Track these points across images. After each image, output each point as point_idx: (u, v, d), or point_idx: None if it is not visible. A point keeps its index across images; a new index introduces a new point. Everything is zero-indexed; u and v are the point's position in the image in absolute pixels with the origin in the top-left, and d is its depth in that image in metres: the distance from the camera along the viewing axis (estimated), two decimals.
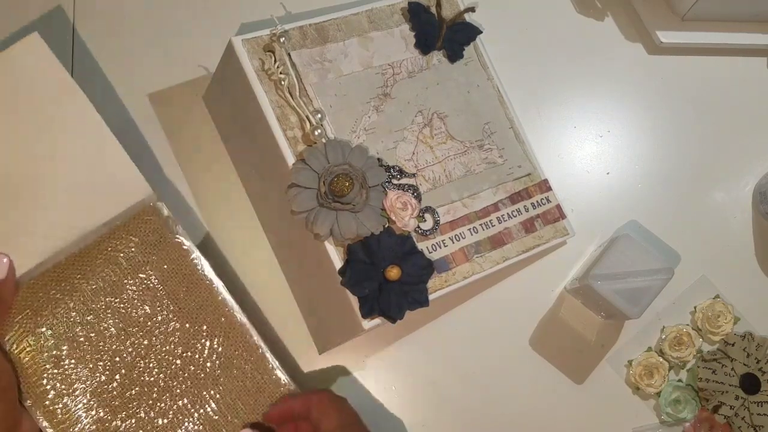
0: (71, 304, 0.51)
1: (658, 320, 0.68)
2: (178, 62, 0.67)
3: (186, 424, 0.52)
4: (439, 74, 0.61)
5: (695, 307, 0.68)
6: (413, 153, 0.58)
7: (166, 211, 0.55)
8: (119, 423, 0.50)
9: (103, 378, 0.51)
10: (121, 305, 0.52)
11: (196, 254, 0.55)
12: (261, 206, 0.64)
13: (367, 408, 0.62)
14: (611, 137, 0.73)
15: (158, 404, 0.51)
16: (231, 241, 0.64)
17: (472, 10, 0.63)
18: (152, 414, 0.51)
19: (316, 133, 0.54)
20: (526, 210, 0.61)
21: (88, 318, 0.51)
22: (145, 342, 0.52)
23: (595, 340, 0.67)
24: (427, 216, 0.57)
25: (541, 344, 0.66)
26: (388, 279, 0.52)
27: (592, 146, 0.72)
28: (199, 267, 0.54)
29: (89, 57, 0.67)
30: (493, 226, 0.59)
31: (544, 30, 0.74)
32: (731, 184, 0.73)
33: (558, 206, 0.63)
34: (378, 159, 0.56)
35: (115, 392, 0.51)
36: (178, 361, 0.52)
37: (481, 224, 0.59)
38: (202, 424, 0.52)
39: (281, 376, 0.55)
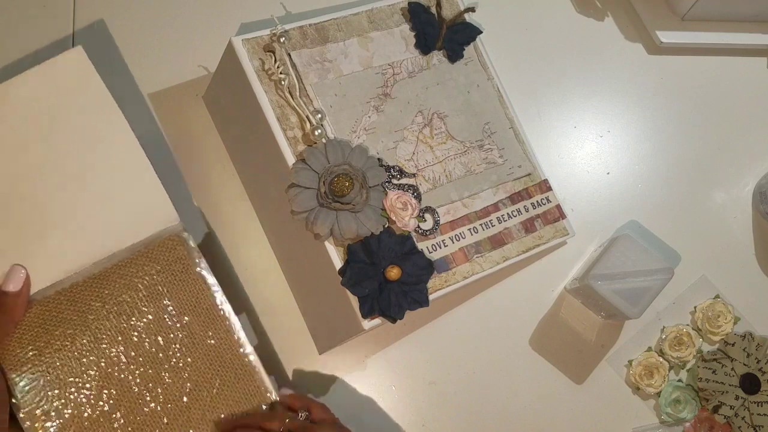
0: (83, 327, 0.49)
1: (658, 320, 0.68)
2: (178, 62, 0.67)
3: None
4: (439, 74, 0.61)
5: (695, 307, 0.68)
6: (413, 153, 0.58)
7: (192, 243, 0.53)
8: None
9: (107, 408, 0.49)
10: (135, 333, 0.50)
11: (219, 291, 0.53)
12: (261, 206, 0.64)
13: (367, 408, 0.62)
14: (611, 137, 0.73)
15: None
16: (231, 241, 0.64)
17: (472, 10, 0.63)
18: None
19: (316, 133, 0.54)
20: (526, 210, 0.61)
21: (100, 343, 0.49)
22: (153, 373, 0.50)
23: (595, 340, 0.67)
24: (427, 216, 0.57)
25: (541, 344, 0.66)
26: (388, 279, 0.52)
27: (592, 146, 0.72)
28: (218, 303, 0.52)
29: (89, 56, 0.67)
30: (493, 226, 0.59)
31: (544, 30, 0.74)
32: (731, 184, 0.73)
33: (558, 206, 0.63)
34: (378, 159, 0.56)
35: (116, 423, 0.49)
36: (185, 399, 0.50)
37: (481, 224, 0.59)
38: None
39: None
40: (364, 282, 0.52)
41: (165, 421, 0.50)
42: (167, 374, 0.50)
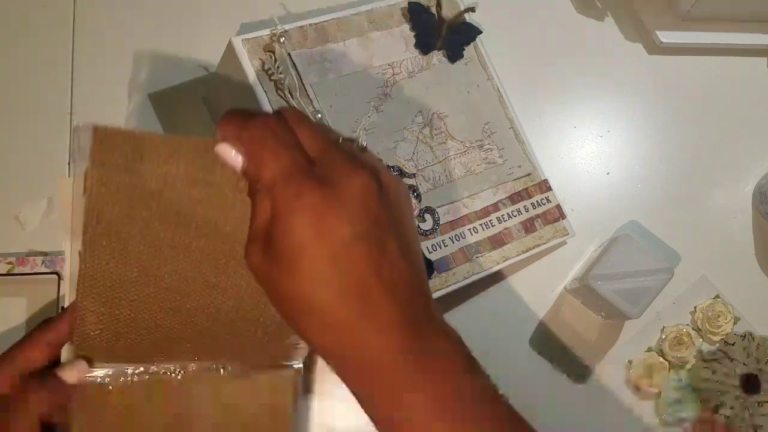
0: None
1: (658, 320, 0.68)
2: (178, 62, 0.67)
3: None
4: (439, 74, 0.61)
5: (695, 307, 0.68)
6: (413, 153, 0.58)
7: None
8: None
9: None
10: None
11: None
12: None
13: None
14: (611, 137, 0.73)
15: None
16: None
17: (472, 10, 0.63)
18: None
19: None
20: (526, 210, 0.61)
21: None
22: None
23: (595, 340, 0.67)
24: (427, 216, 0.57)
25: (541, 344, 0.66)
26: None
27: (592, 146, 0.72)
28: None
29: (90, 56, 0.67)
30: (493, 226, 0.59)
31: (544, 30, 0.74)
32: (731, 184, 0.73)
33: (558, 206, 0.63)
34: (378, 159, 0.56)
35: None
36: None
37: (481, 224, 0.59)
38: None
39: None
40: None
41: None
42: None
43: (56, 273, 0.60)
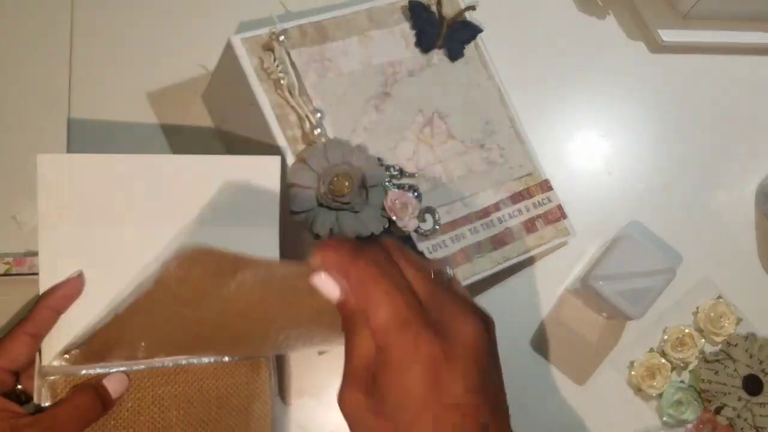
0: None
1: (660, 321, 0.67)
2: (177, 61, 0.67)
3: None
4: (440, 73, 0.61)
5: (698, 308, 0.68)
6: (413, 152, 0.58)
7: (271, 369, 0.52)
8: None
9: None
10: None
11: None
12: None
13: None
14: (613, 137, 0.72)
15: None
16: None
17: (472, 8, 0.63)
18: None
19: (316, 132, 0.53)
20: (527, 210, 0.61)
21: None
22: None
23: (597, 341, 0.67)
24: (428, 216, 0.57)
25: (542, 345, 0.66)
26: None
27: (593, 145, 0.72)
28: None
29: (88, 56, 0.67)
30: (493, 226, 0.59)
31: (546, 29, 0.74)
32: (734, 184, 0.72)
33: (559, 206, 0.63)
34: (378, 159, 0.56)
35: None
36: None
37: (481, 224, 0.59)
38: None
39: None
40: None
41: None
42: None
43: None
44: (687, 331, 0.66)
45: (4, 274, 0.59)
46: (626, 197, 0.71)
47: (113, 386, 0.45)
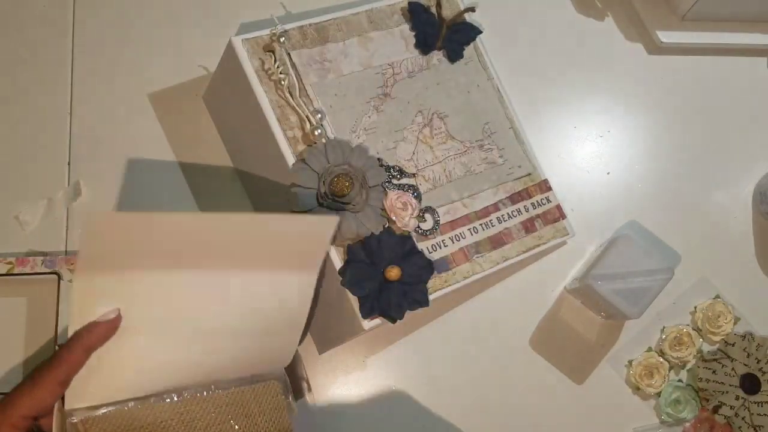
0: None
1: (659, 320, 0.68)
2: (177, 62, 0.67)
3: None
4: (439, 74, 0.61)
5: (695, 308, 0.68)
6: (413, 153, 0.58)
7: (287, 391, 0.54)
8: None
9: None
10: None
11: None
12: (261, 206, 0.64)
13: (367, 408, 0.62)
14: (611, 137, 0.73)
15: None
16: None
17: (472, 10, 0.63)
18: None
19: (316, 133, 0.54)
20: (526, 210, 0.61)
21: None
22: None
23: (596, 340, 0.67)
24: (427, 216, 0.57)
25: (541, 344, 0.66)
26: (388, 279, 0.52)
27: (592, 146, 0.72)
28: None
29: (89, 56, 0.67)
30: (493, 226, 0.59)
31: (544, 30, 0.74)
32: (731, 184, 0.72)
33: (558, 206, 0.63)
34: (378, 159, 0.56)
35: None
36: None
37: (481, 224, 0.59)
38: None
39: None
40: (364, 282, 0.52)
41: None
42: None
43: (56, 273, 0.60)
44: (685, 330, 0.66)
45: (6, 274, 0.59)
46: (624, 197, 0.71)
47: None
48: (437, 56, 0.62)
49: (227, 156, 0.66)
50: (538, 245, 0.61)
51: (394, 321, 0.53)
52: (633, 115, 0.73)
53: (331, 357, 0.63)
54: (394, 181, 0.56)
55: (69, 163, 0.64)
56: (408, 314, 0.53)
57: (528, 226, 0.61)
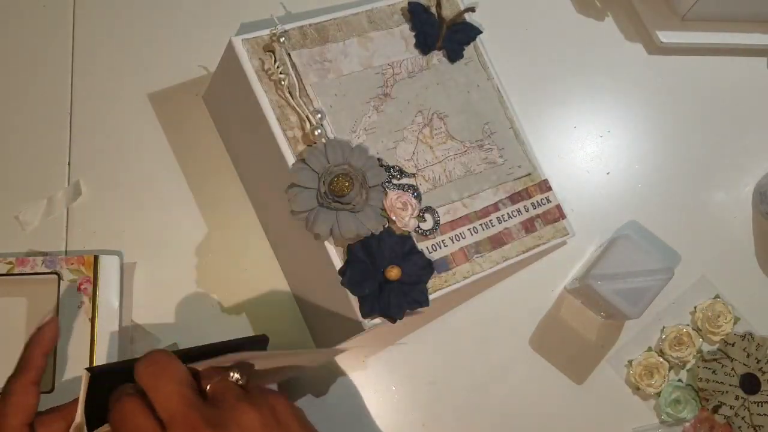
0: None
1: (658, 320, 0.68)
2: (178, 62, 0.67)
3: None
4: (439, 74, 0.61)
5: (695, 307, 0.68)
6: (413, 153, 0.58)
7: None
8: None
9: None
10: None
11: None
12: (260, 206, 0.64)
13: (367, 408, 0.62)
14: (611, 137, 0.73)
15: None
16: (231, 241, 0.64)
17: (472, 10, 0.63)
18: None
19: (316, 133, 0.54)
20: (526, 210, 0.61)
21: None
22: None
23: (595, 340, 0.67)
24: (427, 216, 0.57)
25: (541, 344, 0.66)
26: (388, 279, 0.52)
27: (592, 146, 0.72)
28: None
29: (89, 56, 0.67)
30: (493, 226, 0.59)
31: (544, 30, 0.74)
32: (731, 184, 0.73)
33: (558, 206, 0.63)
34: (378, 159, 0.56)
35: None
36: None
37: (481, 224, 0.59)
38: None
39: None
40: (364, 282, 0.52)
41: None
42: None
43: (56, 273, 0.60)
44: (685, 330, 0.67)
45: (6, 274, 0.59)
46: (624, 197, 0.71)
47: None
48: (437, 56, 0.62)
49: (227, 156, 0.66)
50: (538, 245, 0.61)
51: (394, 321, 0.53)
52: (633, 114, 0.73)
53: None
54: (394, 181, 0.56)
55: (69, 163, 0.64)
56: (408, 314, 0.53)
57: (528, 226, 0.61)
